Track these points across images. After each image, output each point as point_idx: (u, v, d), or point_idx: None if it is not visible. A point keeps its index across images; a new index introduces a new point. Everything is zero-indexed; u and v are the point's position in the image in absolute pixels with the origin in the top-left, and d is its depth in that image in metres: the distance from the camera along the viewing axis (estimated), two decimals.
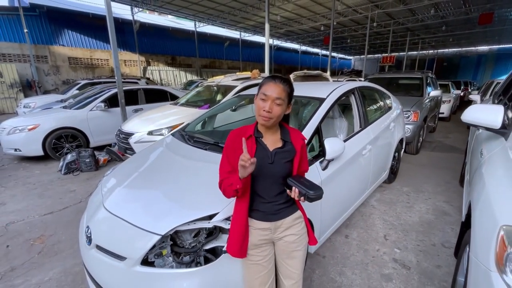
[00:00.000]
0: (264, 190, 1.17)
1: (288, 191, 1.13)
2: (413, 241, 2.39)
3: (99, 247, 1.44)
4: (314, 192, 1.05)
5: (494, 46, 30.24)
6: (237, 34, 23.55)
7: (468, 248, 1.43)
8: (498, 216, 1.00)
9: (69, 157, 4.31)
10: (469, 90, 14.80)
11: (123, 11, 16.82)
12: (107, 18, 4.78)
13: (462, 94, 12.46)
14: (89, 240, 1.49)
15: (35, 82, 12.39)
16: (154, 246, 1.34)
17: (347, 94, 2.48)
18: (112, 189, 1.75)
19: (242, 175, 1.02)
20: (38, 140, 4.60)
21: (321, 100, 2.17)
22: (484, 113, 1.63)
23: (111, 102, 5.44)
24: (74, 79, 14.07)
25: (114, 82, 8.67)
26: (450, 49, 32.96)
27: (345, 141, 2.22)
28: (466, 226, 1.63)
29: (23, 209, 3.10)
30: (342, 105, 3.13)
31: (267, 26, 8.71)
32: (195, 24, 19.50)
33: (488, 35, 23.93)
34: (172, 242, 1.41)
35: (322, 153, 1.86)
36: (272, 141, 1.17)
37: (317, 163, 1.85)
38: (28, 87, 12.65)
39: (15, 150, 4.54)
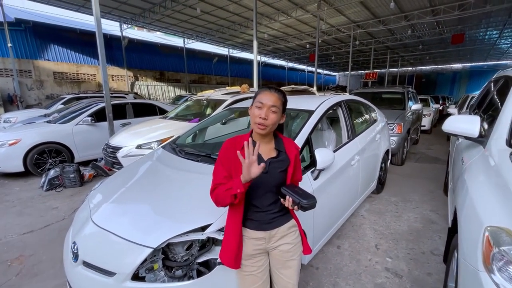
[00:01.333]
0: (258, 199, 1.17)
1: (281, 200, 1.14)
2: (404, 249, 2.42)
3: (86, 264, 1.38)
4: (308, 201, 1.05)
5: (467, 64, 32.39)
6: (225, 50, 24.08)
7: (456, 253, 1.47)
8: (482, 218, 1.05)
9: (52, 173, 4.14)
10: (447, 105, 15.64)
11: (111, 27, 16.92)
12: (97, 34, 4.80)
13: (440, 108, 13.14)
14: (76, 256, 1.43)
15: (16, 97, 12.02)
16: (145, 260, 1.30)
17: (334, 106, 2.57)
18: (101, 203, 1.70)
19: (245, 178, 1.01)
20: (19, 155, 4.41)
21: (310, 112, 2.23)
22: (462, 123, 1.74)
23: (98, 116, 5.34)
24: (58, 94, 13.76)
25: (101, 96, 8.60)
26: (427, 67, 35.00)
27: (334, 151, 2.28)
28: (453, 231, 1.68)
29: (1, 228, 2.92)
30: (330, 118, 3.23)
31: (255, 44, 8.99)
32: (184, 41, 19.82)
33: (461, 54, 25.67)
34: (163, 256, 1.37)
35: (313, 163, 1.90)
36: (266, 150, 1.19)
37: (308, 173, 1.88)
38: (9, 102, 12.24)
39: None
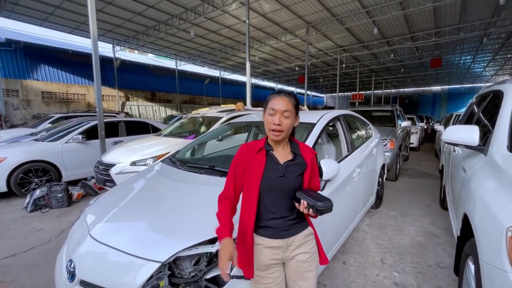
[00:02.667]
0: (274, 205, 1.13)
1: (296, 204, 1.10)
2: (410, 263, 2.38)
3: (84, 283, 1.26)
4: (323, 204, 1.01)
5: (446, 86, 34.42)
6: (217, 72, 24.64)
7: (470, 261, 1.45)
8: (502, 220, 1.05)
9: (37, 193, 3.92)
10: (430, 124, 16.36)
11: (104, 49, 17.07)
12: (93, 55, 4.82)
13: (425, 127, 13.71)
14: (72, 275, 1.31)
15: (1, 116, 11.63)
16: (151, 277, 1.21)
17: (334, 120, 2.62)
18: (100, 218, 1.60)
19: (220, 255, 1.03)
20: (3, 175, 4.17)
21: (312, 125, 2.26)
22: (462, 133, 1.80)
23: (89, 134, 5.21)
24: (46, 114, 13.44)
25: (90, 115, 8.46)
26: (409, 89, 36.91)
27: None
28: (462, 239, 1.67)
29: None
30: (328, 134, 3.28)
31: (248, 66, 9.26)
32: (176, 63, 20.20)
33: (439, 77, 27.34)
34: (170, 272, 1.28)
35: (318, 173, 1.89)
36: (282, 154, 1.17)
37: None
38: None
39: None
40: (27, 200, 3.91)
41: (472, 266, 1.41)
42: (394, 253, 2.56)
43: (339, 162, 2.38)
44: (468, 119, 3.09)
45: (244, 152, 1.17)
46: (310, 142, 2.01)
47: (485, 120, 2.13)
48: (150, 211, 1.55)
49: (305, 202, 1.04)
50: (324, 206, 1.01)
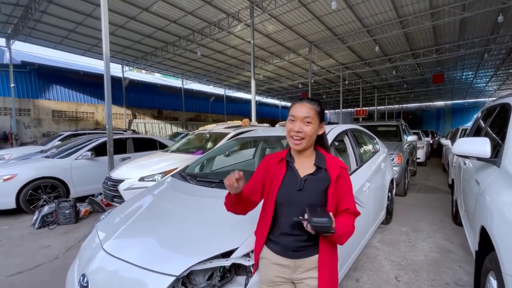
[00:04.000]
0: (287, 220, 1.04)
1: (300, 218, 0.95)
2: (426, 281, 2.29)
3: None
4: (317, 220, 0.88)
5: (449, 102, 34.48)
6: (222, 90, 25.19)
7: (491, 276, 1.40)
8: None
9: (46, 209, 3.93)
10: (436, 138, 16.24)
11: (113, 69, 17.65)
12: (105, 76, 5.03)
13: (431, 141, 13.62)
14: None
15: (12, 135, 11.94)
16: None
17: (342, 134, 2.65)
18: (112, 232, 1.60)
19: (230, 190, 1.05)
20: (13, 191, 4.22)
21: None
22: (473, 145, 1.80)
23: (98, 151, 5.30)
24: (55, 132, 13.76)
25: (99, 132, 8.62)
26: (412, 104, 37.02)
27: None
28: (481, 254, 1.62)
29: None
30: (336, 148, 3.29)
31: (253, 84, 9.49)
32: (182, 82, 20.77)
33: (442, 93, 27.49)
34: (183, 287, 1.26)
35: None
36: (304, 166, 1.09)
37: None
38: (3, 140, 12.12)
39: None
40: (35, 217, 3.93)
41: (494, 282, 1.36)
42: (408, 270, 2.48)
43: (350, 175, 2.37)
44: (476, 133, 3.08)
45: (266, 161, 1.16)
46: None
47: (494, 133, 2.13)
48: (162, 225, 1.55)
49: (305, 216, 0.92)
50: (317, 223, 0.87)
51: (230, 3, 9.39)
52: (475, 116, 3.90)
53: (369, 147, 3.49)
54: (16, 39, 11.44)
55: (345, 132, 2.74)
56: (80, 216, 4.15)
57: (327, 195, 1.04)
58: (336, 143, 3.09)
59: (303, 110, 1.06)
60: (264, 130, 3.41)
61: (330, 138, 2.34)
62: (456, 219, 3.47)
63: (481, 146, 1.75)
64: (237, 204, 1.12)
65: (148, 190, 2.21)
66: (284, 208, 1.07)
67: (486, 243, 1.51)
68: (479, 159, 1.80)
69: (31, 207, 4.37)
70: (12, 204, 4.23)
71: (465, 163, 2.65)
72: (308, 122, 1.04)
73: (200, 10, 9.79)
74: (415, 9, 9.56)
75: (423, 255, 2.75)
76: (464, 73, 19.47)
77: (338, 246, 1.92)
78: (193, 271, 1.25)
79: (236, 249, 1.28)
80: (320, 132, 1.11)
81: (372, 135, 3.77)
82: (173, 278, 1.19)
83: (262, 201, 1.17)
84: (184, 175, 2.38)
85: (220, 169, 3.01)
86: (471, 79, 21.08)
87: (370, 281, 2.30)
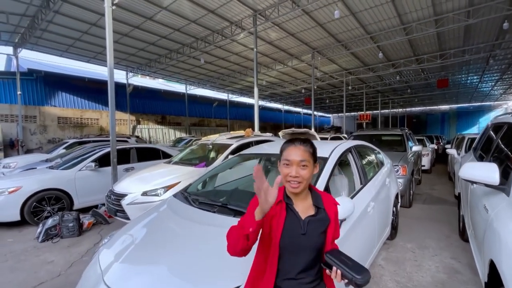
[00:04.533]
0: (290, 265, 1.03)
1: (327, 270, 0.98)
2: None
3: None
4: (362, 277, 0.89)
5: (454, 105, 34.18)
6: (225, 95, 25.30)
7: None
8: None
9: (49, 222, 3.95)
10: (441, 144, 16.03)
11: (117, 75, 17.93)
12: (109, 84, 5.07)
13: (436, 147, 13.45)
14: None
15: (18, 141, 12.09)
16: None
17: (346, 152, 2.62)
18: (113, 261, 1.59)
19: (263, 208, 0.88)
20: (17, 204, 4.25)
21: (324, 159, 2.26)
22: (481, 171, 1.76)
23: (102, 161, 5.32)
24: (60, 138, 13.93)
25: (103, 140, 8.70)
26: (417, 108, 36.77)
27: (351, 198, 2.25)
28: (491, 285, 1.58)
29: None
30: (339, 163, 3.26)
31: (256, 91, 9.51)
32: (186, 87, 20.91)
33: (447, 97, 27.28)
34: None
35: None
36: (303, 208, 1.07)
37: None
38: (10, 146, 12.27)
39: None
40: (39, 230, 3.94)
41: None
42: None
43: (353, 196, 2.34)
44: (484, 150, 3.03)
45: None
46: (323, 179, 2.00)
47: (503, 156, 2.08)
48: (163, 256, 1.54)
49: (339, 271, 0.92)
50: (363, 280, 0.88)
51: (233, 11, 9.46)
52: (483, 129, 3.84)
53: (374, 162, 3.45)
54: (23, 47, 11.64)
55: (349, 150, 2.71)
56: (84, 228, 4.16)
57: (326, 235, 1.05)
58: (343, 155, 3.07)
59: (298, 153, 1.03)
60: (268, 146, 3.40)
61: (335, 158, 2.32)
62: (463, 235, 3.40)
63: (489, 172, 1.71)
64: (252, 237, 0.94)
65: (150, 213, 2.20)
66: (286, 252, 1.02)
67: (495, 275, 1.47)
68: (487, 185, 1.76)
69: (35, 219, 4.39)
70: (16, 216, 4.25)
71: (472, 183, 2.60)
72: (304, 166, 1.02)
73: (204, 18, 9.88)
74: (419, 16, 9.53)
75: (430, 276, 2.69)
76: (469, 78, 19.31)
77: None
78: None
79: (238, 287, 1.26)
80: (315, 172, 1.09)
81: (376, 149, 3.72)
82: None
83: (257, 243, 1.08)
84: (186, 195, 2.37)
85: (222, 186, 2.99)
86: (476, 83, 20.90)
87: None
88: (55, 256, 3.35)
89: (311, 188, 1.13)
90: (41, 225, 4.00)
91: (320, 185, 1.94)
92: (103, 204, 4.70)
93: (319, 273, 1.07)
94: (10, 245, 3.70)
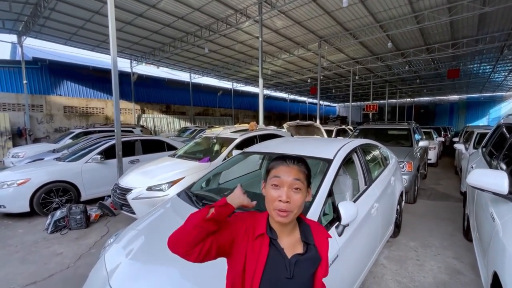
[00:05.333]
0: None
1: None
2: None
3: None
4: None
5: (464, 96, 33.33)
6: (229, 84, 25.08)
7: None
8: None
9: (58, 214, 4.05)
10: (448, 135, 15.74)
11: (122, 64, 17.83)
12: (112, 73, 5.01)
13: (443, 139, 13.22)
14: None
15: (26, 130, 12.28)
16: None
17: (351, 153, 2.58)
18: (118, 264, 1.62)
19: (232, 199, 0.86)
20: (27, 195, 4.36)
21: (329, 161, 2.23)
22: (489, 179, 1.72)
23: (108, 153, 5.38)
24: (67, 127, 14.08)
25: (109, 130, 8.76)
26: (425, 98, 35.97)
27: (354, 201, 2.24)
28: None
29: (2, 279, 2.77)
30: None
31: (261, 82, 9.37)
32: (190, 76, 20.74)
33: (457, 87, 26.55)
34: None
35: (336, 217, 1.85)
36: (290, 243, 0.87)
37: (333, 228, 1.82)
38: (18, 135, 12.48)
39: None
40: (48, 221, 4.05)
41: None
42: None
43: (356, 199, 2.33)
44: (495, 147, 2.95)
45: (239, 223, 0.89)
46: (327, 183, 1.98)
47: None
48: (166, 261, 1.55)
49: None
50: None
51: None
52: (494, 125, 3.74)
53: (379, 160, 3.41)
54: (27, 35, 11.59)
55: (354, 150, 2.67)
56: (91, 220, 4.26)
57: (316, 277, 0.87)
58: (348, 156, 3.03)
59: (291, 172, 0.85)
60: (273, 143, 3.37)
61: (339, 159, 2.29)
62: (467, 235, 3.38)
63: (498, 180, 1.67)
64: (209, 225, 0.80)
65: (153, 212, 2.23)
66: None
67: (498, 285, 1.46)
68: (495, 193, 1.72)
69: (44, 210, 4.50)
70: (26, 208, 4.37)
71: None
72: (297, 189, 0.83)
73: (208, 6, 9.63)
74: (431, 4, 9.14)
75: (432, 277, 2.70)
76: (482, 67, 18.69)
77: (348, 268, 1.91)
78: None
79: None
80: (307, 199, 0.88)
81: (382, 146, 3.67)
82: None
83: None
84: (190, 195, 2.38)
85: (225, 184, 3.00)
86: (489, 73, 20.24)
87: None
88: (64, 248, 3.45)
89: (300, 218, 0.93)
90: (49, 216, 4.10)
91: (324, 190, 1.92)
92: (109, 196, 4.78)
93: None
94: (21, 236, 3.82)
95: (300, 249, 0.87)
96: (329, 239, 1.75)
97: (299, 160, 0.89)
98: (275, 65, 17.86)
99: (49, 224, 3.98)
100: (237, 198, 0.86)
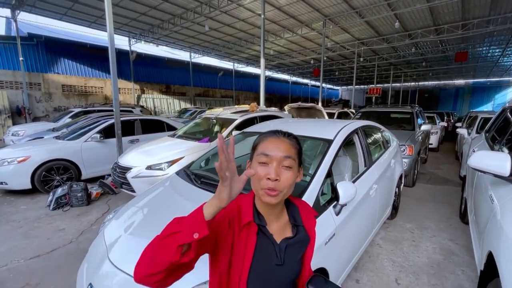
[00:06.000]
0: None
1: None
2: (426, 285, 2.31)
3: None
4: None
5: (470, 80, 32.63)
6: (230, 65, 24.52)
7: None
8: None
9: (59, 191, 4.10)
10: (451, 121, 15.59)
11: (120, 41, 17.35)
12: (109, 51, 4.87)
13: (446, 124, 13.10)
14: None
15: (25, 109, 12.19)
16: None
17: (352, 134, 2.54)
18: (117, 239, 1.64)
19: (214, 206, 0.61)
20: (27, 173, 4.39)
21: (329, 142, 2.19)
22: (491, 160, 1.69)
23: (107, 132, 5.35)
24: (66, 106, 13.96)
25: (108, 110, 8.68)
26: (430, 82, 35.26)
27: (353, 181, 2.23)
28: (486, 274, 1.59)
29: (6, 252, 2.84)
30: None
31: (262, 62, 9.11)
32: (190, 55, 20.23)
33: (463, 71, 25.92)
34: None
35: (334, 196, 1.84)
36: (278, 227, 0.80)
37: (331, 208, 1.82)
38: (17, 114, 12.41)
39: (1, 183, 4.30)
40: (49, 198, 4.10)
41: None
42: (409, 272, 2.50)
43: (355, 180, 2.32)
44: (498, 132, 2.90)
45: (221, 219, 0.73)
46: (326, 163, 1.95)
47: None
48: None
49: None
50: None
51: None
52: (500, 109, 3.66)
53: (380, 142, 3.38)
54: (21, 9, 11.17)
55: (355, 131, 2.63)
56: (92, 198, 4.31)
57: (305, 258, 0.83)
58: (349, 137, 3.00)
59: (281, 147, 0.74)
60: (274, 123, 3.32)
61: (340, 140, 2.25)
62: (464, 218, 3.42)
63: (501, 162, 1.64)
64: (192, 253, 0.61)
65: (152, 189, 2.23)
66: (256, 287, 0.76)
67: (492, 265, 1.48)
68: (496, 175, 1.70)
69: (45, 187, 4.55)
70: (27, 185, 4.41)
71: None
72: (288, 167, 0.73)
73: None
74: None
75: (426, 257, 2.76)
76: (491, 50, 18.11)
77: (344, 247, 1.94)
78: None
79: None
80: (298, 180, 0.79)
81: (384, 128, 3.62)
82: None
83: (210, 272, 0.80)
84: (189, 173, 2.38)
85: None
86: (498, 56, 19.64)
87: (370, 283, 2.34)
88: (66, 224, 3.52)
89: (288, 199, 0.84)
90: (51, 193, 4.15)
91: (323, 170, 1.90)
92: (110, 175, 4.81)
93: None
94: (24, 212, 3.89)
95: (289, 232, 0.81)
96: (327, 217, 1.77)
97: (289, 134, 0.80)
98: (277, 44, 17.34)
99: (51, 201, 4.04)
100: (223, 193, 0.61)
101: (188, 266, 0.67)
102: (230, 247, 0.74)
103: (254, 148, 0.80)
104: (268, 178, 0.71)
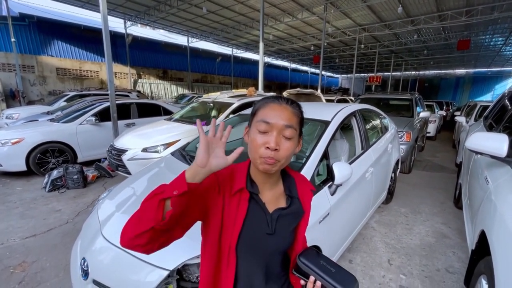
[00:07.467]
0: (253, 273, 0.76)
1: (301, 280, 0.75)
2: (417, 266, 2.36)
3: (96, 283, 1.31)
4: None
5: (471, 70, 32.33)
6: (229, 50, 24.01)
7: (483, 279, 1.40)
8: None
9: (55, 173, 4.08)
10: (450, 110, 15.58)
11: (115, 24, 16.83)
12: (103, 32, 4.72)
13: (444, 114, 13.08)
14: (85, 273, 1.36)
15: (19, 92, 11.95)
16: (160, 282, 1.24)
17: (349, 116, 2.50)
18: (111, 215, 1.63)
19: (192, 173, 0.61)
20: (22, 154, 4.34)
21: (326, 123, 2.16)
22: (488, 142, 1.67)
23: (102, 115, 5.28)
24: (61, 90, 13.70)
25: (104, 94, 8.54)
26: (430, 71, 34.92)
27: (350, 163, 2.22)
28: (476, 253, 1.62)
29: (2, 231, 2.85)
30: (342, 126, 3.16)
31: (261, 46, 8.91)
32: (188, 40, 19.74)
33: (465, 60, 25.60)
34: (178, 276, 1.31)
35: (330, 177, 1.83)
36: (272, 197, 0.78)
37: (326, 188, 1.81)
38: (11, 97, 12.18)
39: None
40: (45, 180, 4.09)
41: (485, 285, 1.37)
42: (402, 253, 2.55)
43: (352, 161, 2.31)
44: (496, 120, 2.88)
45: (210, 185, 0.73)
46: (323, 143, 1.93)
47: None
48: None
49: (319, 282, 0.69)
50: None
51: None
52: (499, 96, 3.62)
53: (378, 127, 3.35)
54: None
55: (353, 114, 2.60)
56: (88, 181, 4.30)
57: (298, 230, 0.80)
58: (346, 120, 2.96)
59: (283, 115, 0.70)
60: None
61: (337, 122, 2.22)
62: (458, 203, 3.46)
63: (497, 143, 1.62)
64: (174, 212, 0.59)
65: (148, 169, 2.21)
66: (245, 259, 0.75)
67: (483, 245, 1.49)
68: (492, 157, 1.69)
69: (41, 170, 4.52)
70: (22, 167, 4.38)
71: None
72: (288, 137, 0.69)
73: None
74: None
75: (419, 239, 2.80)
76: (494, 39, 17.82)
77: (338, 227, 1.95)
78: (187, 264, 1.28)
79: None
80: (297, 151, 0.76)
81: (382, 113, 3.58)
82: (167, 272, 1.22)
83: (201, 241, 0.80)
84: (184, 154, 2.35)
85: None
86: (500, 45, 19.36)
87: (363, 263, 2.39)
88: (62, 205, 3.52)
89: (284, 170, 0.83)
90: (47, 176, 4.13)
91: (319, 150, 1.88)
92: (106, 158, 4.79)
93: (287, 283, 0.83)
94: (20, 194, 3.88)
95: (283, 203, 0.79)
96: (321, 196, 1.76)
97: (292, 102, 0.74)
98: (277, 29, 16.93)
99: (47, 183, 4.02)
100: (202, 160, 0.61)
101: (175, 232, 0.67)
102: (220, 213, 0.73)
103: (253, 113, 0.75)
104: (267, 147, 0.67)
